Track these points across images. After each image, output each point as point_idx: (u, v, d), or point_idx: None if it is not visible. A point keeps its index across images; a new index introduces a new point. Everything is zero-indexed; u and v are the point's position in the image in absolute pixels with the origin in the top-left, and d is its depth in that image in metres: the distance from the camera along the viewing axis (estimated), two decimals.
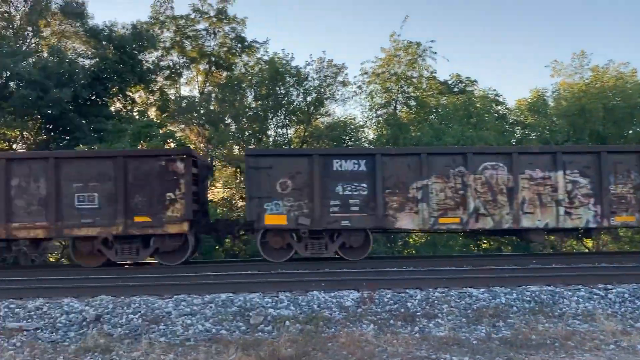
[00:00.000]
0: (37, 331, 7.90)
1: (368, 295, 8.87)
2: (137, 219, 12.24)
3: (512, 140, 20.54)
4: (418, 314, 8.47)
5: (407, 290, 9.21)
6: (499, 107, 22.69)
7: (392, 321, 8.26)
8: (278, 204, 12.54)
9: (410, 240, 20.19)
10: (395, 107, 23.10)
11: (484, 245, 20.19)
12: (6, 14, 22.19)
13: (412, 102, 22.85)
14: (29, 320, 8.22)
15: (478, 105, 21.44)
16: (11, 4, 22.10)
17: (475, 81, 24.03)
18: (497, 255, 15.86)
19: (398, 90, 22.88)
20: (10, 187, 12.29)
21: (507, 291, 9.16)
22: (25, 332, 7.87)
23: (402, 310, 8.56)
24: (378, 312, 8.50)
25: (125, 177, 12.30)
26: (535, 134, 20.83)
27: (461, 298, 8.96)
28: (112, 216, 12.22)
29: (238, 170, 20.99)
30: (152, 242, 12.48)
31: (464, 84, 23.91)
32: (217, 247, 18.21)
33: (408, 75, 22.70)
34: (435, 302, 8.81)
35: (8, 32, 21.43)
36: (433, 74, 23.16)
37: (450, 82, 23.99)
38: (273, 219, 12.50)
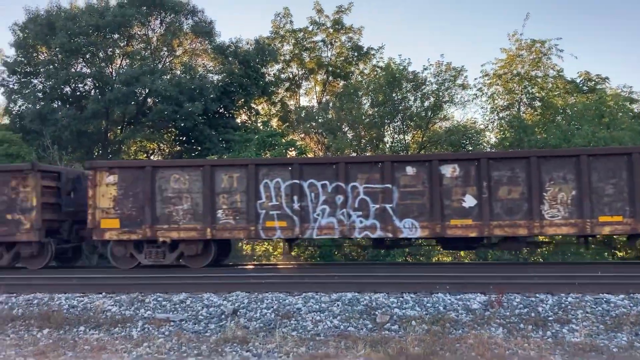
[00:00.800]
0: (182, 322, 8.63)
1: (496, 299, 8.69)
2: None
3: None
4: (550, 318, 8.16)
5: (537, 295, 8.91)
6: (634, 106, 21.10)
7: (522, 325, 8.03)
8: None
9: (538, 249, 19.29)
10: (518, 109, 22.29)
11: (620, 253, 18.82)
12: (145, 37, 24.40)
13: (537, 103, 21.92)
14: (175, 312, 9.00)
15: (610, 104, 20.10)
16: (149, 27, 24.27)
17: (607, 78, 22.56)
18: (634, 263, 14.75)
19: (522, 91, 22.07)
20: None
21: None
22: (172, 323, 8.62)
23: (533, 314, 8.30)
24: (507, 316, 8.30)
25: None
26: None
27: (597, 304, 8.50)
28: None
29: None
30: None
31: (594, 82, 22.52)
32: None
33: (532, 75, 21.83)
34: (569, 307, 8.43)
35: (146, 53, 23.52)
36: (559, 73, 22.08)
37: (578, 81, 22.71)
38: None
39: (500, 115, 22.43)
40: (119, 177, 12.90)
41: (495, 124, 22.56)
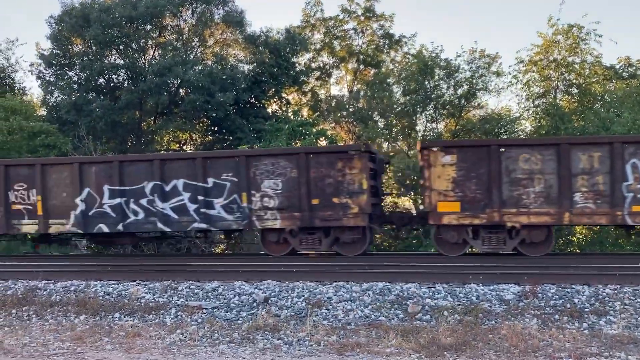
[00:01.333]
0: (214, 310, 8.71)
1: (530, 289, 8.52)
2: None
3: None
4: (586, 310, 7.96)
5: (574, 286, 8.70)
6: None
7: (557, 316, 7.87)
8: None
9: (574, 238, 18.89)
10: (555, 96, 21.76)
11: None
12: (177, 27, 24.60)
13: (574, 90, 21.35)
14: (207, 300, 9.09)
15: None
16: (181, 18, 24.45)
17: None
18: None
19: (558, 78, 21.53)
20: None
21: None
22: (204, 310, 8.72)
23: (568, 305, 8.10)
24: (541, 307, 8.13)
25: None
26: None
27: (636, 296, 8.25)
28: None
29: (388, 165, 21.17)
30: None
31: (634, 68, 21.80)
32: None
33: (569, 61, 21.25)
34: (606, 299, 8.21)
35: (178, 43, 23.72)
36: (598, 59, 21.44)
37: (618, 67, 22.03)
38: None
39: (536, 102, 21.95)
40: (458, 157, 11.96)
41: (530, 111, 22.09)
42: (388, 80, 23.32)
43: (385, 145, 22.81)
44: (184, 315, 8.63)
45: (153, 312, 8.85)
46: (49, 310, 9.22)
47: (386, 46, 26.23)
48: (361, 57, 26.19)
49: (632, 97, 18.95)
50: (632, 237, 14.64)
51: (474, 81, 21.52)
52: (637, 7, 57.47)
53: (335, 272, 10.03)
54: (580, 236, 18.68)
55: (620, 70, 21.98)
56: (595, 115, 18.74)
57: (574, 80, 21.45)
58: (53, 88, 23.60)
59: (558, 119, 19.52)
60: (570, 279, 9.05)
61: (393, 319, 8.07)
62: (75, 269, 11.50)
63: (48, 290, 9.95)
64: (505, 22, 58.80)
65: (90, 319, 8.79)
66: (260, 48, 24.04)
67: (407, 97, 22.20)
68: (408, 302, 8.44)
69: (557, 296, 8.37)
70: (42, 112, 24.87)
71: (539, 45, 21.77)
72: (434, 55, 21.85)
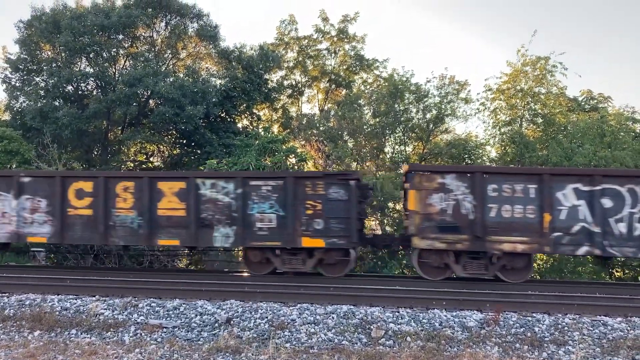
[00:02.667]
0: (175, 329, 8.54)
1: (492, 317, 8.62)
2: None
3: None
4: (546, 339, 8.09)
5: (534, 314, 8.84)
6: (637, 126, 21.09)
7: (517, 345, 7.97)
8: None
9: (535, 265, 19.23)
10: (520, 125, 22.27)
11: (617, 273, 18.75)
12: (149, 38, 24.38)
13: (539, 120, 21.90)
14: (168, 318, 8.91)
15: (612, 124, 20.09)
16: (154, 29, 24.25)
17: (609, 98, 22.57)
18: (633, 284, 14.68)
19: (524, 107, 22.05)
20: None
21: None
22: (164, 329, 8.54)
23: (529, 334, 8.23)
24: (503, 335, 8.23)
25: None
26: None
27: (595, 326, 8.44)
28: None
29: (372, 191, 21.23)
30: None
31: (596, 101, 22.53)
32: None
33: (535, 91, 21.81)
34: (566, 328, 8.37)
35: (150, 55, 23.48)
36: (562, 91, 22.08)
37: (580, 99, 22.72)
38: None
39: (502, 130, 22.40)
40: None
41: (496, 138, 22.53)
42: (359, 101, 23.52)
43: (354, 165, 22.93)
44: (143, 334, 8.43)
45: (111, 329, 8.63)
46: (0, 325, 8.89)
47: (357, 67, 26.48)
48: (333, 77, 26.37)
49: (594, 130, 19.53)
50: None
51: (443, 106, 21.87)
52: (599, 44, 59.63)
53: (300, 294, 9.96)
54: (541, 262, 19.02)
55: (583, 103, 22.67)
56: (559, 145, 19.23)
57: (539, 110, 21.98)
58: (19, 93, 23.03)
59: (523, 147, 19.96)
60: (531, 307, 9.20)
61: (356, 343, 8.05)
62: (31, 281, 11.14)
63: (2, 304, 9.61)
64: (476, 52, 60.25)
65: (45, 335, 8.51)
66: (233, 63, 23.98)
67: (377, 119, 22.41)
68: (372, 327, 8.44)
69: (518, 324, 8.49)
70: (6, 117, 24.23)
71: (507, 74, 22.31)
72: (404, 79, 22.17)
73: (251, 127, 25.31)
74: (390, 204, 20.06)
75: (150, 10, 23.19)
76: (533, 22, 57.81)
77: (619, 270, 18.53)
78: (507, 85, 22.23)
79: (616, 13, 58.91)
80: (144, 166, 24.80)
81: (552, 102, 22.06)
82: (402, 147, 22.88)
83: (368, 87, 25.67)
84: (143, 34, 24.25)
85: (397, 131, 22.42)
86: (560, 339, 8.10)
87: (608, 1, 57.74)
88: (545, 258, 18.45)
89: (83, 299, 9.81)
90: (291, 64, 26.48)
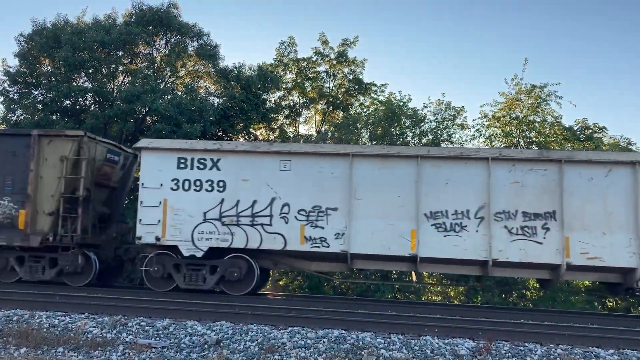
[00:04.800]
0: (164, 349, 8.44)
1: (484, 346, 8.56)
2: None
3: None
4: None
5: (527, 344, 8.79)
6: None
7: None
8: None
9: (528, 293, 19.19)
10: None
11: (610, 304, 18.72)
12: (149, 56, 24.52)
13: (534, 148, 22.02)
14: (157, 338, 8.81)
15: None
16: (154, 47, 24.40)
17: (604, 128, 22.73)
18: (625, 315, 14.65)
19: (519, 135, 22.21)
20: None
21: None
22: (153, 349, 8.44)
23: None
24: None
25: None
26: None
27: (587, 358, 8.38)
28: None
29: None
30: None
31: (591, 130, 22.70)
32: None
33: (530, 119, 21.99)
34: (558, 359, 8.31)
35: (150, 72, 23.59)
36: (558, 119, 22.26)
37: (575, 128, 22.89)
38: None
39: None
40: None
41: None
42: (356, 124, 23.63)
43: None
44: (131, 354, 8.32)
45: (99, 348, 8.52)
46: None
47: (355, 91, 26.65)
48: (331, 99, 26.52)
49: None
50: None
51: (439, 132, 22.01)
52: (595, 71, 60.34)
53: (291, 317, 9.88)
54: (534, 291, 18.98)
55: (578, 132, 22.83)
56: None
57: (534, 138, 22.14)
58: (16, 106, 23.03)
59: None
60: (523, 336, 9.15)
61: None
62: (20, 296, 11.02)
63: None
64: (473, 78, 60.83)
65: (31, 353, 8.38)
66: (232, 82, 24.09)
67: (374, 142, 22.51)
68: (363, 352, 8.36)
69: (510, 354, 8.43)
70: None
71: (502, 102, 22.51)
72: (401, 103, 22.32)
73: None
74: None
75: (150, 27, 23.35)
76: (527, 52, 58.57)
77: (611, 300, 18.50)
78: (502, 112, 22.41)
79: (615, 46, 59.78)
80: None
81: (547, 131, 22.22)
82: None
83: (365, 110, 25.82)
84: (143, 51, 24.38)
85: None
86: None
87: (607, 34, 58.63)
88: (537, 285, 18.41)
89: (72, 316, 9.71)
90: (289, 85, 26.64)
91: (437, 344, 8.69)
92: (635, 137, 64.42)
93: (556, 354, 8.44)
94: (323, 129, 26.64)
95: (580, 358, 8.36)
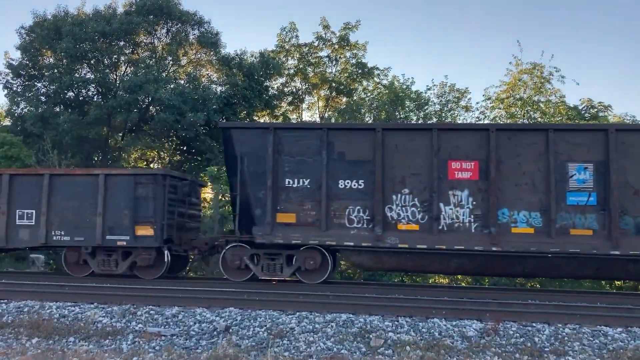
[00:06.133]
0: (173, 337, 8.50)
1: (492, 326, 8.58)
2: None
3: None
4: (546, 349, 8.05)
5: (534, 324, 8.80)
6: None
7: (517, 355, 7.92)
8: None
9: None
10: None
11: (618, 282, 18.69)
12: (150, 45, 24.47)
13: None
14: (167, 326, 8.88)
15: None
16: (155, 36, 24.34)
17: (609, 106, 22.56)
18: (633, 293, 14.65)
19: (524, 116, 22.09)
20: None
21: None
22: (163, 337, 8.50)
23: (529, 344, 8.18)
24: (502, 345, 8.19)
25: None
26: None
27: (595, 337, 8.40)
28: None
29: None
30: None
31: (596, 109, 22.54)
32: None
33: (534, 100, 21.86)
34: (566, 338, 8.33)
35: (151, 62, 23.56)
36: (562, 99, 22.11)
37: (580, 107, 22.73)
38: None
39: None
40: None
41: None
42: (360, 108, 23.57)
43: None
44: (141, 342, 8.38)
45: (109, 337, 8.59)
46: None
47: (359, 75, 26.53)
48: (334, 84, 26.44)
49: None
50: None
51: (443, 114, 21.92)
52: (602, 53, 59.79)
53: (299, 302, 9.93)
54: None
55: (583, 112, 22.68)
56: None
57: (539, 119, 22.02)
58: (20, 99, 23.13)
59: None
60: (531, 316, 9.17)
61: (355, 352, 8.00)
62: (30, 288, 11.11)
63: (0, 311, 9.58)
64: (476, 59, 60.37)
65: (42, 343, 8.46)
66: (234, 70, 24.04)
67: None
68: (371, 336, 8.40)
69: (518, 334, 8.45)
70: (7, 122, 24.28)
71: (507, 82, 22.37)
72: (405, 87, 22.22)
73: None
74: None
75: (151, 17, 23.29)
76: (532, 32, 58.04)
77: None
78: (507, 93, 22.28)
79: (617, 22, 59.11)
80: None
81: (552, 111, 22.09)
82: None
83: (369, 94, 25.72)
84: (144, 40, 24.35)
85: None
86: (560, 349, 8.05)
87: (608, 9, 57.97)
88: None
89: (81, 306, 9.78)
90: (292, 71, 26.55)
91: (445, 326, 8.72)
92: None
93: (564, 334, 8.46)
94: (326, 115, 26.59)
95: (588, 337, 8.37)
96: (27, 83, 23.30)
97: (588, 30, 59.61)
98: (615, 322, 8.90)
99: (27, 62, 23.17)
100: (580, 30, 59.91)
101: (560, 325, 8.79)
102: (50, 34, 22.33)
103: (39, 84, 23.35)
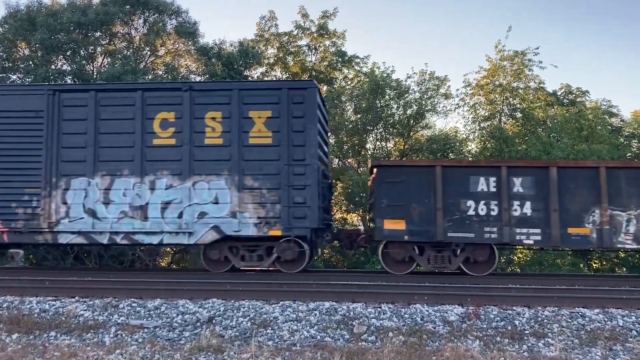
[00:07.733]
0: (156, 329, 8.48)
1: (473, 311, 8.70)
2: None
3: (628, 155, 19.29)
4: (526, 332, 8.18)
5: (515, 308, 8.94)
6: (613, 119, 21.43)
7: (498, 338, 8.04)
8: None
9: (515, 257, 19.46)
10: (500, 119, 22.48)
11: (595, 265, 19.07)
12: (127, 35, 24.12)
13: (518, 114, 22.13)
14: (149, 318, 8.84)
15: (590, 117, 20.39)
16: (132, 26, 23.99)
17: (587, 92, 22.90)
18: (610, 275, 14.94)
19: (503, 102, 22.28)
20: None
21: (625, 314, 8.64)
22: (145, 330, 8.47)
23: (509, 327, 8.31)
24: (483, 329, 8.31)
25: None
26: None
27: (573, 318, 8.56)
28: None
29: (337, 181, 21.31)
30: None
31: (574, 95, 22.84)
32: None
33: (514, 86, 22.04)
34: (545, 321, 8.47)
35: (128, 52, 23.23)
36: (541, 85, 22.33)
37: (559, 93, 23.00)
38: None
39: (482, 125, 22.60)
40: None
41: (476, 133, 22.72)
42: (340, 97, 23.52)
43: (335, 161, 22.96)
44: (124, 335, 8.34)
45: (91, 330, 8.52)
46: None
47: (338, 64, 26.46)
48: (314, 73, 26.34)
49: (572, 123, 19.81)
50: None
51: (423, 102, 21.99)
52: (579, 37, 60.39)
53: (283, 291, 9.95)
54: (521, 255, 19.25)
55: (561, 97, 22.96)
56: (538, 140, 19.46)
57: (518, 105, 22.24)
58: None
59: (502, 141, 20.18)
60: (511, 300, 9.31)
61: (339, 339, 8.06)
62: (9, 283, 10.97)
63: None
64: (456, 47, 60.62)
65: (23, 338, 8.37)
66: (213, 60, 23.80)
67: (359, 116, 22.45)
68: (354, 323, 8.46)
69: (498, 318, 8.58)
70: None
71: (486, 69, 22.50)
72: (385, 75, 22.21)
73: None
74: None
75: (127, 7, 22.92)
76: (512, 15, 58.43)
77: (596, 262, 18.84)
78: (486, 80, 22.42)
79: (596, 7, 59.75)
80: None
81: (531, 97, 22.31)
82: (383, 144, 22.96)
83: (349, 83, 25.68)
84: (121, 31, 23.98)
85: (379, 127, 22.49)
86: (540, 331, 8.19)
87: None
88: (525, 251, 18.68)
89: (62, 300, 9.69)
90: (271, 61, 26.39)
91: (427, 311, 8.82)
92: (616, 100, 64.85)
93: (544, 316, 8.61)
94: None
95: (567, 319, 8.53)
96: (1, 75, 22.84)
97: (567, 16, 60.20)
98: (593, 304, 9.08)
99: (1, 54, 22.71)
100: (561, 16, 60.46)
101: (539, 308, 8.94)
102: (24, 25, 21.88)
103: (14, 76, 22.90)
